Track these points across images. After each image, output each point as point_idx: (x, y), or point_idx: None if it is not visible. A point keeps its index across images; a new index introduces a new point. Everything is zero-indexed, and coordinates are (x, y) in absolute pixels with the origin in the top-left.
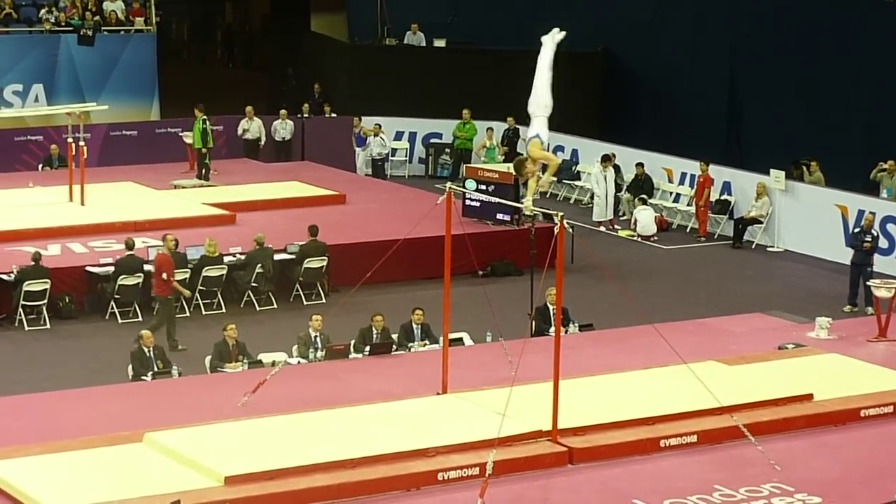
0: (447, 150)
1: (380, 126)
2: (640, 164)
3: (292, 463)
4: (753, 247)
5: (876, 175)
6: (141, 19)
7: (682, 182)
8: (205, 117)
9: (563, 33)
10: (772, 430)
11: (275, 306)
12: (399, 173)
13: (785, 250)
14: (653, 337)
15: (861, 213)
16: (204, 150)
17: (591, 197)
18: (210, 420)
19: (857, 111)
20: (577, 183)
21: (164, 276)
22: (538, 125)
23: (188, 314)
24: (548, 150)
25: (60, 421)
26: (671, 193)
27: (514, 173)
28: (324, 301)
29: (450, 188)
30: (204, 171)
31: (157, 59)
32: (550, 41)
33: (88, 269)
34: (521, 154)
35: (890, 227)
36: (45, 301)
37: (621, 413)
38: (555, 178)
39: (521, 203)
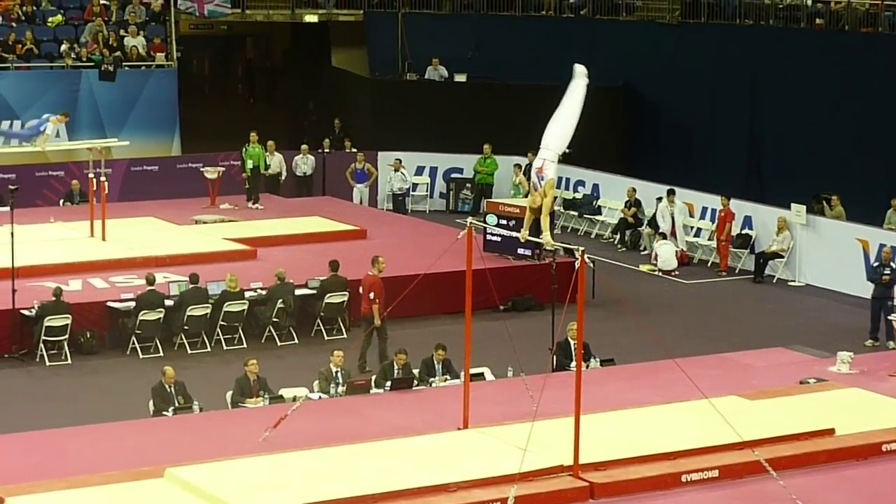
0: (468, 185)
1: (400, 161)
2: (661, 199)
3: (313, 498)
4: (775, 281)
5: (890, 217)
6: (162, 55)
7: (703, 216)
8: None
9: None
10: (793, 465)
11: (296, 341)
12: (420, 208)
13: (806, 284)
14: (674, 372)
15: (882, 247)
16: (267, 174)
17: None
18: (231, 455)
19: (879, 145)
20: (598, 217)
21: (372, 295)
22: (554, 166)
23: (209, 349)
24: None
25: (82, 456)
26: (692, 228)
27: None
28: (345, 336)
29: (470, 223)
30: (255, 194)
31: (178, 95)
32: (584, 74)
33: (109, 304)
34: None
35: None
36: (67, 336)
37: (643, 448)
38: (576, 214)
39: (541, 239)
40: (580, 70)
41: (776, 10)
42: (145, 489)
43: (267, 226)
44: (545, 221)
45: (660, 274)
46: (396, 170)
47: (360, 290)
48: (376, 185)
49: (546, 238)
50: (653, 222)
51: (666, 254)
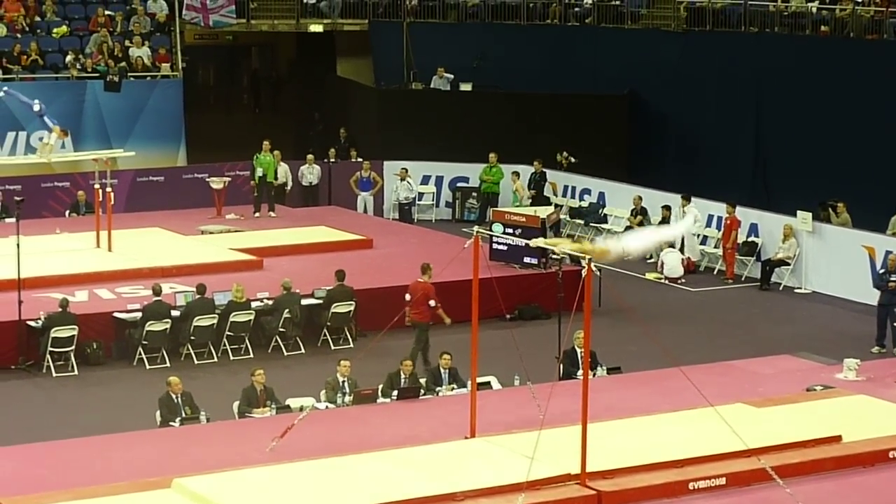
0: (474, 194)
1: (406, 170)
2: (666, 207)
3: None
4: (781, 288)
5: (894, 224)
6: (167, 65)
7: (708, 224)
8: (277, 152)
9: None
10: (800, 473)
11: (302, 351)
12: (426, 217)
13: (812, 292)
14: (680, 380)
15: (888, 254)
16: (275, 184)
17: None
18: (238, 465)
19: (885, 152)
20: (604, 226)
21: (432, 302)
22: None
23: (216, 359)
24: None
25: (89, 467)
26: (698, 235)
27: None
28: (351, 346)
29: (477, 232)
30: (263, 203)
31: (184, 105)
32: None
33: (116, 315)
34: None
35: None
36: (73, 347)
37: (650, 456)
38: (582, 222)
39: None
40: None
41: (781, 18)
42: (153, 500)
43: (273, 236)
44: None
45: (666, 282)
46: (403, 179)
47: (408, 296)
48: (382, 195)
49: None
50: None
51: (672, 262)
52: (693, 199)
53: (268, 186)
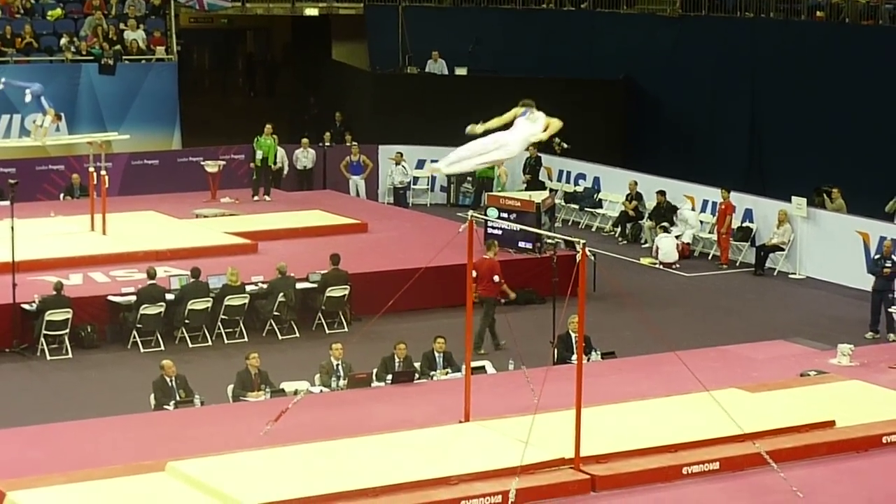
0: (469, 179)
1: (401, 154)
2: (661, 192)
3: (315, 492)
4: (775, 274)
5: (892, 206)
6: (162, 48)
7: (703, 209)
8: (275, 136)
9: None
10: (794, 457)
11: (297, 335)
12: (421, 202)
13: (807, 277)
14: (675, 364)
15: (883, 239)
16: (275, 168)
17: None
18: (232, 449)
19: (879, 138)
20: (598, 211)
21: (497, 278)
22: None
23: (210, 343)
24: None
25: (83, 450)
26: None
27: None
28: (346, 330)
29: (472, 216)
30: (261, 186)
31: (179, 89)
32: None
33: (110, 298)
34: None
35: None
36: (67, 331)
37: (644, 440)
38: (577, 207)
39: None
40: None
41: (777, 3)
42: (146, 483)
43: (268, 219)
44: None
45: (661, 267)
46: (398, 163)
47: (474, 273)
48: (376, 179)
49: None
50: (654, 215)
51: (667, 246)
52: (689, 184)
53: (267, 170)
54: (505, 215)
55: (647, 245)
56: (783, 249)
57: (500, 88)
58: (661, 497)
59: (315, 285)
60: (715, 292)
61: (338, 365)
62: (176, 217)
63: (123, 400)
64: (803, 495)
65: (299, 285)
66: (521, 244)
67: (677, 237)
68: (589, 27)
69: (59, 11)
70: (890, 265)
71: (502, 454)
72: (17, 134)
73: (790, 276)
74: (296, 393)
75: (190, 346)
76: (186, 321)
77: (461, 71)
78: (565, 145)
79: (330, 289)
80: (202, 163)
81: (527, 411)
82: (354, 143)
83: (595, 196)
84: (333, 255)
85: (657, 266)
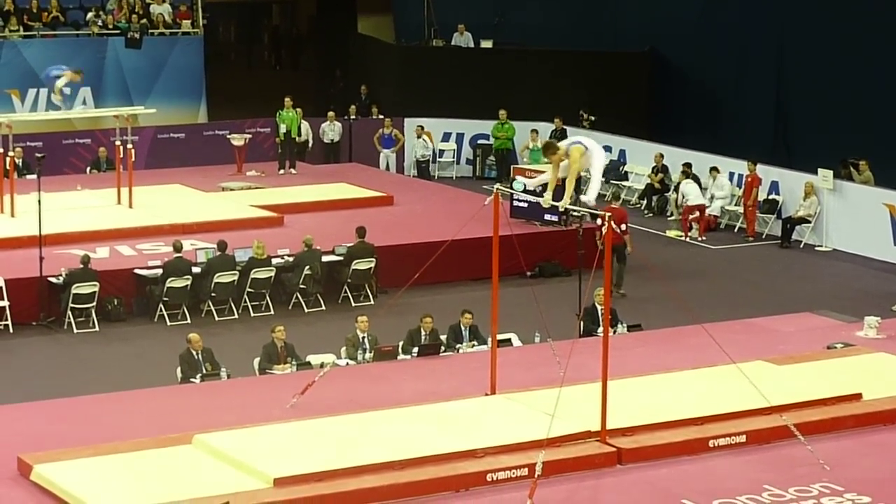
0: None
1: (422, 127)
2: (687, 164)
3: (341, 464)
4: (801, 246)
5: None
6: (188, 22)
7: (730, 181)
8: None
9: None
10: (821, 430)
11: (323, 308)
12: (447, 174)
13: (833, 249)
14: (701, 337)
15: None
16: (298, 140)
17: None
18: (259, 422)
19: None
20: (624, 183)
21: (624, 226)
22: (589, 144)
23: (236, 316)
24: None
25: (110, 423)
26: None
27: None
28: (372, 303)
29: (497, 189)
30: (287, 159)
31: (205, 62)
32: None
33: (137, 271)
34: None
35: None
36: (94, 304)
37: (670, 413)
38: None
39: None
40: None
41: None
42: (173, 455)
43: (294, 192)
44: (570, 186)
45: (687, 239)
46: (419, 136)
47: (601, 220)
48: (403, 152)
49: (566, 200)
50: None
51: (692, 191)
52: (715, 156)
53: (292, 143)
54: (531, 188)
55: (672, 217)
56: (809, 222)
57: (525, 61)
58: (687, 470)
59: (341, 258)
60: (741, 265)
61: (364, 338)
62: (202, 190)
63: (150, 373)
64: (830, 468)
65: (325, 258)
66: (547, 217)
67: (706, 206)
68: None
69: None
70: None
71: (528, 427)
72: (44, 108)
73: (816, 248)
74: (322, 366)
75: (216, 319)
76: (213, 294)
77: (487, 44)
78: (592, 118)
79: (356, 261)
80: (228, 136)
81: (553, 384)
82: (387, 117)
83: (621, 168)
84: (359, 227)
85: (683, 238)
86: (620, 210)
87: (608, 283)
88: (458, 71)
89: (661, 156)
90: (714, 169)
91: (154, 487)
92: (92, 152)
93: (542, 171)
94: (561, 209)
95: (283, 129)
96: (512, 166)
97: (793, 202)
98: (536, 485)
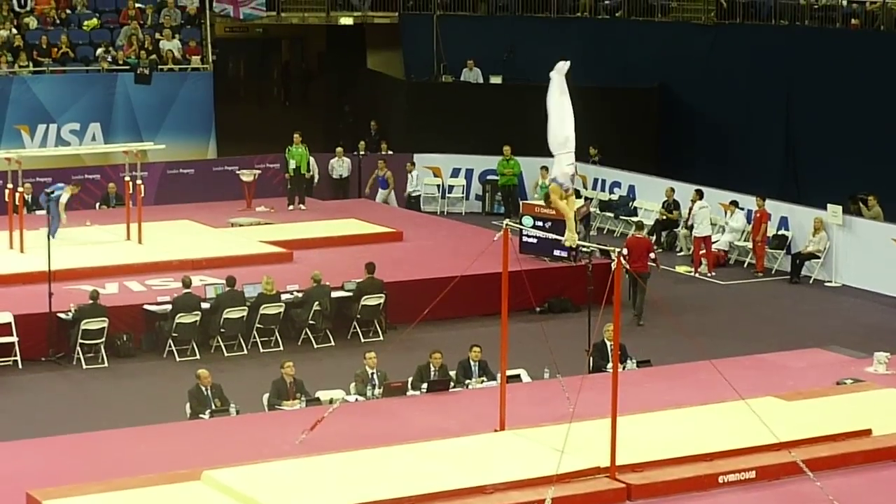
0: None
1: (413, 164)
2: (698, 191)
3: (350, 500)
4: (811, 282)
5: None
6: (197, 58)
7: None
8: (305, 144)
9: (568, 63)
10: (830, 466)
11: (332, 344)
12: (456, 210)
13: (843, 285)
14: (710, 373)
15: None
16: (307, 176)
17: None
18: (268, 458)
19: None
20: (633, 219)
21: (653, 255)
22: (556, 168)
23: (246, 352)
24: (572, 184)
25: (118, 459)
26: (719, 227)
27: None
28: (381, 338)
29: (507, 225)
30: (297, 195)
31: (214, 98)
32: (557, 74)
33: (146, 307)
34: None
35: None
36: (103, 339)
37: (679, 449)
38: (612, 215)
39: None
40: (553, 73)
41: (811, 11)
42: (182, 492)
43: (303, 228)
44: (569, 223)
45: (696, 275)
46: (409, 172)
47: (625, 251)
48: (403, 189)
49: (569, 236)
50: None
51: (702, 215)
52: (724, 192)
53: (301, 179)
54: (540, 224)
55: (682, 253)
56: (819, 257)
57: (534, 96)
58: None
59: (350, 294)
60: (750, 300)
61: (373, 374)
62: (211, 226)
63: (159, 409)
64: None
65: (334, 294)
66: (556, 252)
67: (714, 242)
68: (623, 35)
69: (95, 21)
70: None
71: (538, 463)
72: (54, 143)
73: (826, 283)
74: (331, 402)
75: (225, 354)
76: (222, 330)
77: (496, 79)
78: (598, 157)
79: (365, 297)
80: (237, 172)
81: (562, 420)
82: (381, 159)
83: (630, 204)
84: (368, 263)
85: (692, 274)
86: (645, 240)
87: (617, 319)
88: (467, 106)
89: (672, 190)
90: (734, 203)
91: None
92: (101, 188)
93: (552, 208)
94: (567, 244)
95: (292, 164)
96: (521, 202)
97: (802, 238)
98: None
